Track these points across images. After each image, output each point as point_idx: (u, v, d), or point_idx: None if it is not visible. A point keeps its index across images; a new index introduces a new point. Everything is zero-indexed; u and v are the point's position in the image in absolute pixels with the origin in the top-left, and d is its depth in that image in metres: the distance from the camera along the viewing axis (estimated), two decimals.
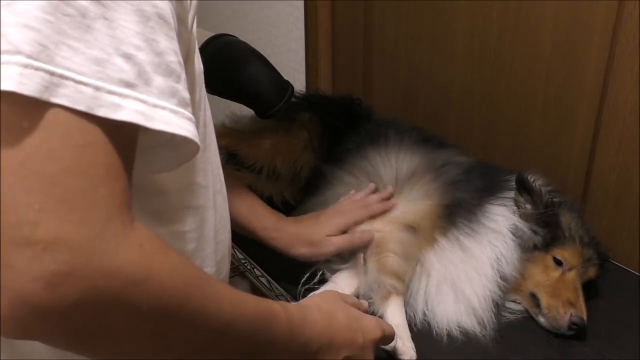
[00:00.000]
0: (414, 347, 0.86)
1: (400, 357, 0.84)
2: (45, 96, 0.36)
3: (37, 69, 0.36)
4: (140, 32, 0.40)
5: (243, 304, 0.48)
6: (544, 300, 0.95)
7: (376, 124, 1.32)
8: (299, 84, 1.85)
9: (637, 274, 1.12)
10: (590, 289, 1.00)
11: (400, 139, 1.24)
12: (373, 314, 0.92)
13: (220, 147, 1.28)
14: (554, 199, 1.01)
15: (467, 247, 0.96)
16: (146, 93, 0.40)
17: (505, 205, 1.01)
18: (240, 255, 1.18)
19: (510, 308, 0.98)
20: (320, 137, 1.30)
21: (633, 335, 0.94)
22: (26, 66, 0.35)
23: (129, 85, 0.39)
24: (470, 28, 1.33)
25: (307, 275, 1.01)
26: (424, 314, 0.94)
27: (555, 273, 0.96)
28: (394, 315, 0.90)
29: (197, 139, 0.43)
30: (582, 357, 0.89)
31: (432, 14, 1.41)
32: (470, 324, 0.92)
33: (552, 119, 1.22)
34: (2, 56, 0.35)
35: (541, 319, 0.95)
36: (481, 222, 0.98)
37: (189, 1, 0.48)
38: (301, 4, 1.74)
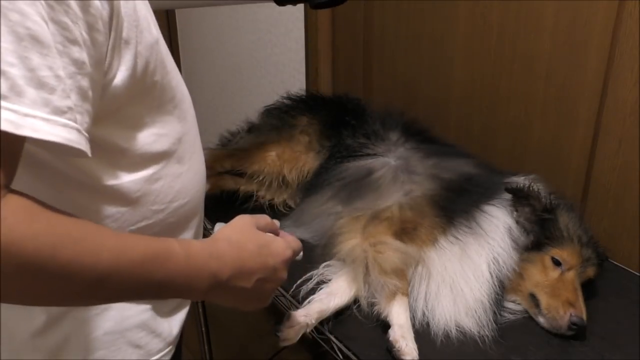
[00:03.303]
0: (416, 348, 0.86)
1: (403, 357, 0.85)
2: None
3: None
4: (14, 51, 0.46)
5: (128, 250, 0.54)
6: (543, 300, 0.95)
7: (376, 123, 1.32)
8: (299, 84, 1.85)
9: (637, 274, 1.12)
10: (590, 289, 1.00)
11: (399, 139, 1.24)
12: (377, 315, 0.93)
13: (224, 169, 1.30)
14: (552, 200, 1.01)
15: (466, 247, 0.97)
16: (18, 104, 0.46)
17: (502, 207, 1.01)
18: None
19: (510, 308, 0.98)
20: (321, 139, 1.30)
21: (633, 335, 0.94)
22: None
23: (1, 97, 0.45)
24: (470, 28, 1.33)
25: (306, 276, 1.01)
26: (424, 314, 0.94)
27: (554, 273, 0.96)
28: (399, 315, 0.90)
29: (71, 144, 0.50)
30: (582, 357, 0.89)
31: (432, 14, 1.41)
32: (469, 324, 0.92)
33: (552, 119, 1.22)
34: None
35: (541, 319, 0.95)
36: (479, 223, 0.98)
37: (101, 5, 0.53)
38: (301, 4, 1.74)
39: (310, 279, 1.01)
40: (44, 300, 0.55)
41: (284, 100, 1.43)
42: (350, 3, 1.63)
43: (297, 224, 1.19)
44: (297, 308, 0.95)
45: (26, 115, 0.46)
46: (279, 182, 1.28)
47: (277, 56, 1.96)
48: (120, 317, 0.70)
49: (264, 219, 0.74)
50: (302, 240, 1.14)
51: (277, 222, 0.78)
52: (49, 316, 0.66)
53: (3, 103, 0.45)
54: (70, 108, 0.50)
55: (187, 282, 0.59)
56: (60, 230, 0.49)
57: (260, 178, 1.28)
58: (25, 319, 0.66)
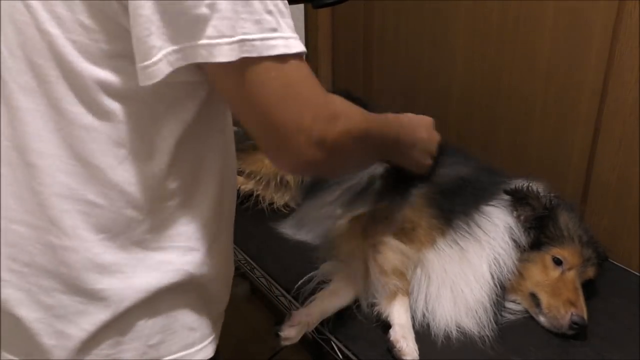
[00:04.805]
0: (417, 349, 0.87)
1: (404, 357, 0.85)
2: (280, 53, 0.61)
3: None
4: None
5: (384, 120, 0.87)
6: (544, 300, 0.95)
7: None
8: None
9: (637, 274, 1.12)
10: (590, 289, 1.00)
11: None
12: (378, 315, 0.93)
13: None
14: (551, 200, 1.01)
15: (465, 248, 0.96)
16: (284, 31, 0.61)
17: (501, 207, 1.01)
18: (240, 256, 1.18)
19: (510, 308, 0.98)
20: None
21: (633, 335, 0.94)
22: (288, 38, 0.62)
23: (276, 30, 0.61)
24: (471, 28, 1.33)
25: (307, 277, 1.02)
26: (424, 315, 0.94)
27: (555, 273, 0.97)
28: (400, 315, 0.90)
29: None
30: (582, 357, 0.90)
31: (432, 14, 1.41)
32: (469, 325, 0.92)
33: (552, 119, 1.22)
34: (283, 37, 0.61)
35: (542, 319, 0.95)
36: (478, 224, 0.98)
37: None
38: (301, 4, 1.74)
39: (311, 279, 1.01)
40: (359, 163, 0.90)
41: None
42: (350, 3, 1.63)
43: (299, 225, 1.19)
44: (298, 308, 0.95)
45: (289, 37, 0.61)
46: (277, 182, 1.28)
47: None
48: (171, 299, 0.71)
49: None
50: (302, 242, 1.16)
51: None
52: (114, 312, 0.67)
53: (278, 34, 0.60)
54: None
55: (403, 142, 0.94)
56: (365, 115, 0.74)
57: (258, 178, 1.28)
58: (88, 315, 0.67)
